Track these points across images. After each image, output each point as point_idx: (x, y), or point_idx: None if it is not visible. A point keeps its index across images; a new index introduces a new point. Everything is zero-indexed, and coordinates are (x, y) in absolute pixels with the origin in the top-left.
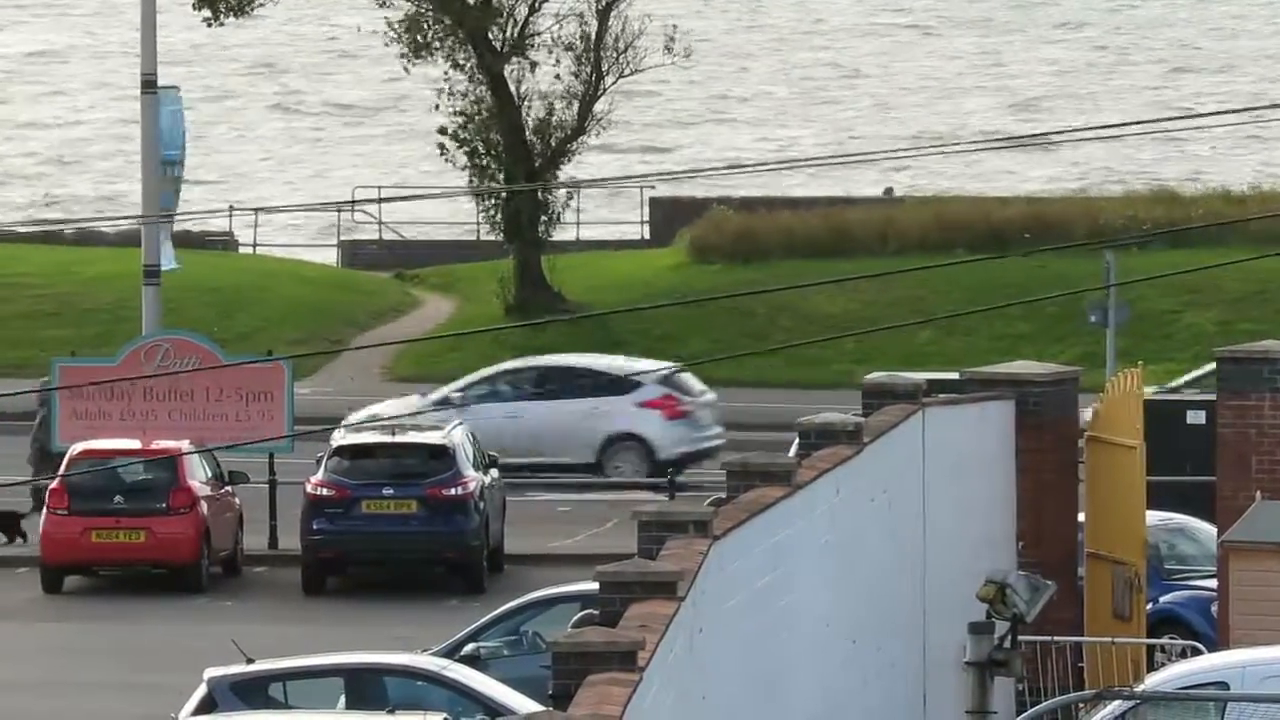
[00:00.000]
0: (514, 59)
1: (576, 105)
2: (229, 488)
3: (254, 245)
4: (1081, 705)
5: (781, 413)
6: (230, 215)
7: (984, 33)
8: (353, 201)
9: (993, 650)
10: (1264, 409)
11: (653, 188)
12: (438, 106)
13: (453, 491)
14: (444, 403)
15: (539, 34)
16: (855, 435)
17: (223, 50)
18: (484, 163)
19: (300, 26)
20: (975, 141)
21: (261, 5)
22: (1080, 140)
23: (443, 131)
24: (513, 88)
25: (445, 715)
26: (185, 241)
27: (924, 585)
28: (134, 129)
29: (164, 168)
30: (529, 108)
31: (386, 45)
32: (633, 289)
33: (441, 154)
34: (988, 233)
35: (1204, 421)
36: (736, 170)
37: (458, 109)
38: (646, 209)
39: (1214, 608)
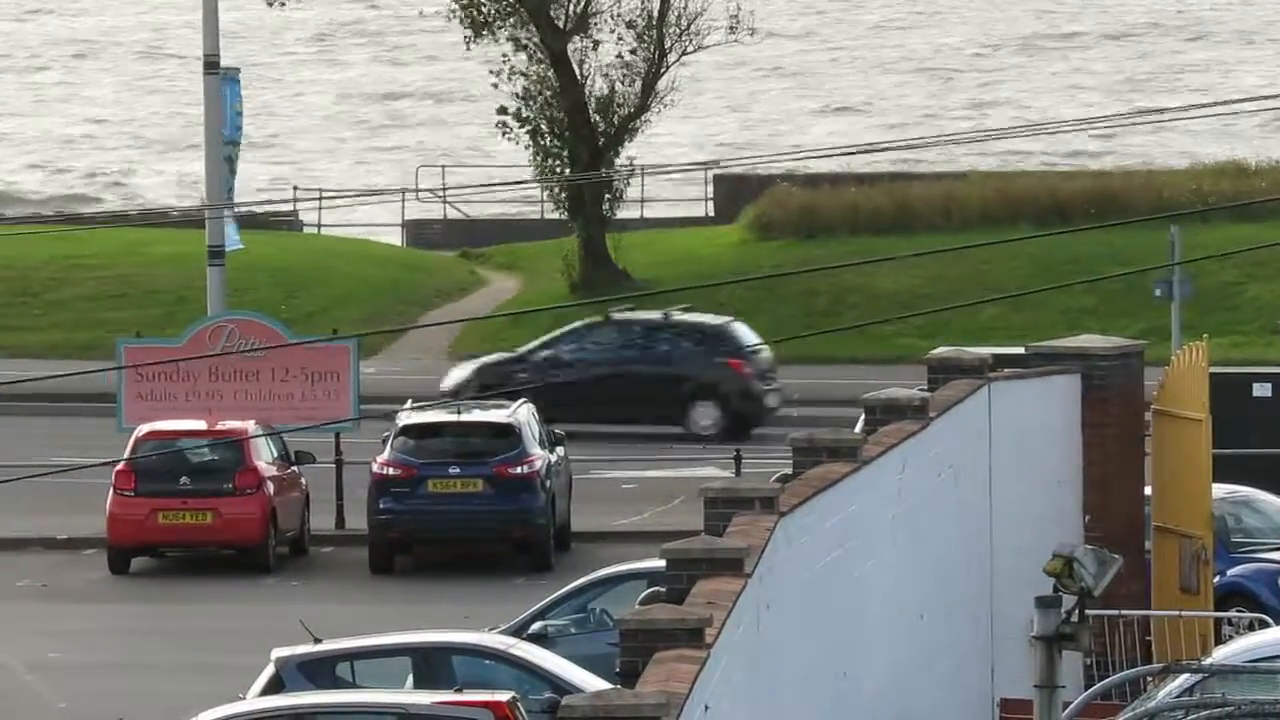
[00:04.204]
0: (576, 37)
1: (639, 83)
2: (295, 468)
3: (318, 225)
4: (1150, 679)
5: (847, 388)
6: (294, 200)
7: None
8: (417, 188)
9: (1060, 624)
10: None
11: (717, 164)
12: (496, 86)
13: (519, 470)
14: None
15: (601, 12)
16: (921, 410)
17: (284, 29)
18: (547, 141)
19: (363, 5)
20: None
21: None
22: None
23: (503, 111)
24: (575, 66)
25: (513, 694)
26: (249, 222)
27: (991, 559)
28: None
29: (224, 148)
30: (591, 85)
31: (448, 20)
32: (697, 265)
33: (503, 133)
34: (1051, 207)
35: (1270, 394)
36: (791, 155)
37: (520, 87)
38: (710, 186)
39: None
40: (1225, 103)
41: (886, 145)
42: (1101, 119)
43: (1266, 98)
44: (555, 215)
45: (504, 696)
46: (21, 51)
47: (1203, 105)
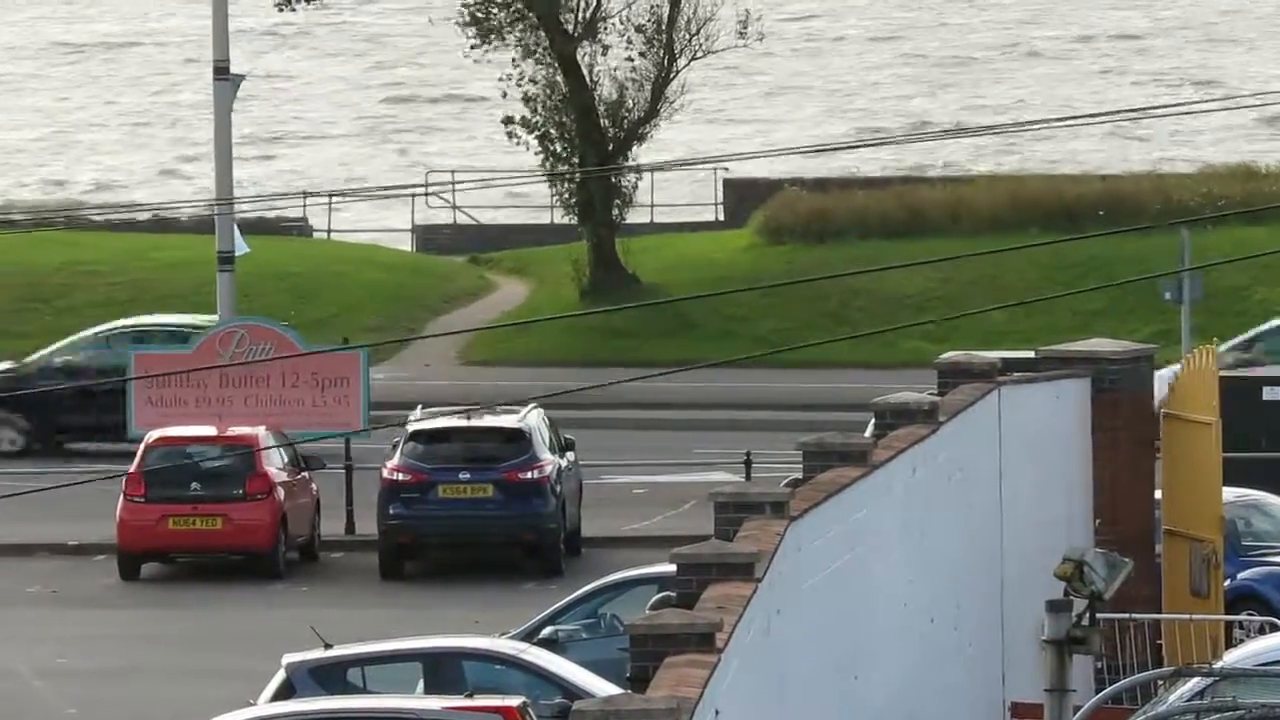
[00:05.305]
0: (585, 42)
1: (649, 88)
2: (306, 473)
3: (328, 230)
4: (1160, 682)
5: (857, 393)
6: (305, 202)
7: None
8: (426, 188)
9: (1071, 628)
10: None
11: (726, 169)
12: (505, 95)
13: (529, 475)
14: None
15: (610, 17)
16: (931, 415)
17: (293, 35)
18: (556, 147)
19: (371, 12)
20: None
21: None
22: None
23: (510, 120)
24: (584, 71)
25: (524, 698)
26: (259, 227)
27: (1001, 563)
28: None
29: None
30: (601, 90)
31: (457, 25)
32: (706, 270)
33: (511, 139)
34: (1061, 210)
35: None
36: (801, 151)
37: (529, 93)
38: (720, 190)
39: None
40: (1224, 98)
41: (882, 140)
42: (1100, 116)
43: (1265, 93)
44: (564, 220)
45: (515, 701)
46: (15, 54)
47: (1203, 101)
